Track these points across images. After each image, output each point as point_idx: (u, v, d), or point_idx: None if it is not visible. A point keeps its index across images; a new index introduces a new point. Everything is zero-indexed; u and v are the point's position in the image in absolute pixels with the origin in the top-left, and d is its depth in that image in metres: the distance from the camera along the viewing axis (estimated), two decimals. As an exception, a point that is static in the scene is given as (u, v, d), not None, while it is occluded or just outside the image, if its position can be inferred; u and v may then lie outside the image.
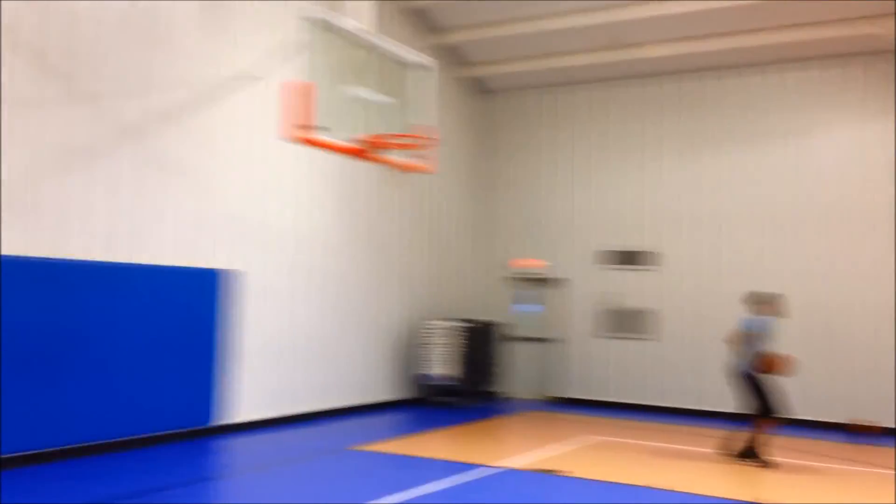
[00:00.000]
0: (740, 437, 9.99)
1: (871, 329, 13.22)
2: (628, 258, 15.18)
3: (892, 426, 12.76)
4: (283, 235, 11.73)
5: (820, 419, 13.27)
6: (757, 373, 9.84)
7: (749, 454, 9.83)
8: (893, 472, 9.66)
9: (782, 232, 13.95)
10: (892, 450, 11.29)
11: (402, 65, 9.76)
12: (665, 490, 8.43)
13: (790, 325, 13.67)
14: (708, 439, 11.86)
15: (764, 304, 10.18)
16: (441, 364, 14.08)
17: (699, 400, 14.38)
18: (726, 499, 8.14)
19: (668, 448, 11.07)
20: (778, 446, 11.15)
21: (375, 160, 9.08)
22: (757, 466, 9.66)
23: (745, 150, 14.38)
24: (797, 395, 13.26)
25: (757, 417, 9.84)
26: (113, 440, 9.22)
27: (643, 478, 8.95)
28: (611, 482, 8.71)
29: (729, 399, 14.00)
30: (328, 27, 8.70)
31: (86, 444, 8.94)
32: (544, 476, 8.90)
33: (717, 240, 14.47)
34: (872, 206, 13.34)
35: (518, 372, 16.13)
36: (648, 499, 8.15)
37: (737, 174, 14.40)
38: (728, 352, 10.37)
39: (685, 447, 11.16)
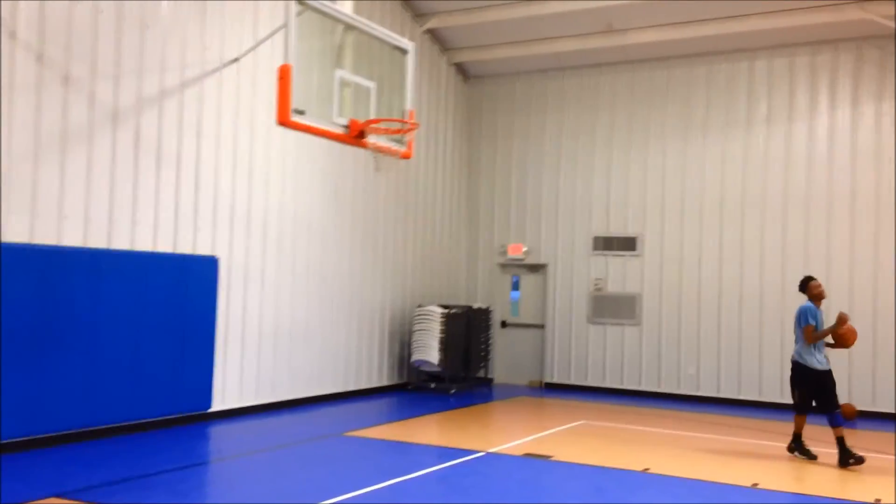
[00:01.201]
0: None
1: (866, 313, 13.28)
2: (614, 244, 15.22)
3: (892, 411, 12.86)
4: (270, 221, 11.72)
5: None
6: (805, 360, 9.35)
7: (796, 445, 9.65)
8: (894, 458, 9.73)
9: (769, 217, 14.01)
10: (892, 434, 11.34)
11: (385, 49, 9.75)
12: (645, 473, 8.51)
13: (778, 311, 13.85)
14: (688, 423, 11.96)
15: (804, 290, 9.71)
16: (429, 350, 14.10)
17: (681, 384, 14.51)
18: (707, 481, 8.22)
19: (650, 431, 11.16)
20: (771, 431, 11.28)
21: (358, 144, 9.09)
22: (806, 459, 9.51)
23: (733, 136, 14.41)
24: (788, 380, 13.48)
25: (796, 409, 9.57)
26: (109, 426, 9.28)
27: (624, 461, 9.03)
28: (593, 465, 8.80)
29: (710, 383, 14.26)
30: (313, 12, 8.68)
31: (83, 430, 9.00)
32: (530, 460, 8.98)
33: (701, 225, 14.52)
34: (862, 191, 13.39)
35: (505, 357, 16.20)
36: (629, 481, 8.21)
37: (725, 160, 14.43)
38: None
39: (666, 430, 11.24)
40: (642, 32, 14.33)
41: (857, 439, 11.14)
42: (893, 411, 12.92)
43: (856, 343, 9.57)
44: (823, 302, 9.72)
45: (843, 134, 13.61)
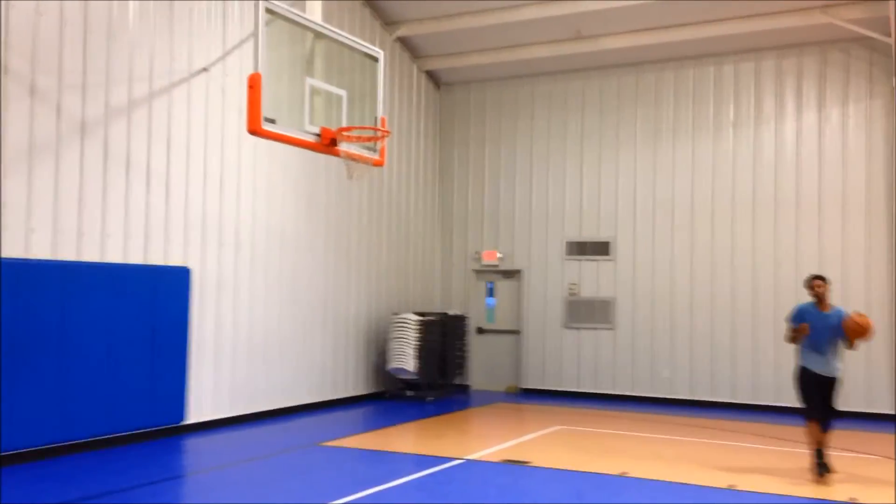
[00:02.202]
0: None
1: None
2: (587, 248, 15.29)
3: (892, 412, 12.96)
4: (242, 230, 11.63)
5: (783, 404, 13.52)
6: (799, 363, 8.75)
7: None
8: (894, 460, 9.75)
9: (739, 220, 14.15)
10: (892, 436, 11.42)
11: (356, 57, 9.73)
12: (622, 476, 8.55)
13: (750, 312, 13.99)
14: (664, 425, 12.03)
15: (807, 288, 8.96)
16: (406, 358, 14.06)
17: (655, 387, 14.59)
18: (683, 483, 8.27)
19: (626, 435, 11.20)
20: (745, 432, 11.34)
21: (330, 152, 9.05)
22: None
23: (702, 140, 14.55)
24: (774, 382, 13.64)
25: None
26: (82, 440, 9.14)
27: (602, 465, 9.06)
28: (571, 470, 8.82)
29: (684, 386, 14.36)
30: (282, 20, 8.64)
31: (55, 445, 8.85)
32: (508, 466, 8.97)
33: (673, 229, 14.63)
34: (830, 193, 13.57)
35: (482, 364, 16.19)
36: (607, 485, 8.24)
37: (694, 164, 14.57)
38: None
39: (642, 434, 11.29)
40: (611, 39, 14.44)
41: (834, 438, 11.26)
42: (863, 411, 13.08)
43: (865, 335, 8.54)
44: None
45: (809, 137, 13.80)
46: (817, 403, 8.65)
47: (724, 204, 14.27)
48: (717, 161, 14.41)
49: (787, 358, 13.49)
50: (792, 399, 13.31)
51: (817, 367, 8.66)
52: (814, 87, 13.83)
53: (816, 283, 8.87)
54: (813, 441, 8.64)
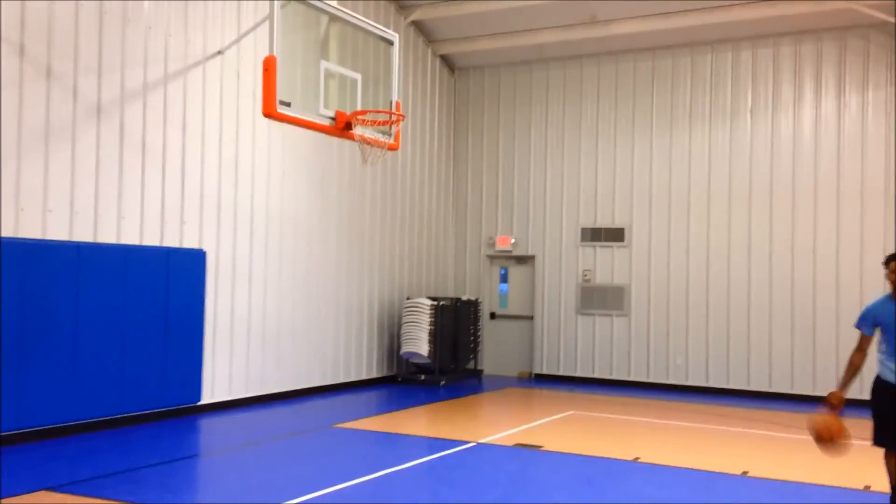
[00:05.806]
0: None
1: (852, 302, 13.34)
2: (601, 235, 15.24)
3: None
4: (257, 213, 11.66)
5: (798, 392, 13.48)
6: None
7: None
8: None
9: (754, 207, 14.04)
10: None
11: (370, 41, 9.72)
12: (635, 462, 8.55)
13: (766, 299, 13.92)
14: (677, 412, 12.01)
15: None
16: (419, 342, 14.09)
17: (669, 374, 14.55)
18: (696, 469, 8.26)
19: (639, 421, 11.20)
20: (759, 420, 11.31)
21: (344, 136, 9.06)
22: None
23: (718, 127, 14.44)
24: (789, 370, 13.58)
25: None
26: (98, 419, 9.25)
27: (614, 450, 9.07)
28: (583, 455, 8.84)
29: (698, 373, 14.31)
30: (297, 3, 8.63)
31: (72, 424, 8.96)
32: (520, 450, 9.00)
33: (689, 215, 14.54)
34: (848, 180, 13.44)
35: (495, 349, 16.21)
36: (619, 470, 8.25)
37: (710, 150, 14.45)
38: None
39: (656, 420, 11.28)
40: (626, 23, 14.33)
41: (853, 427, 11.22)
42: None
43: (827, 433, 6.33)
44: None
45: (828, 123, 13.66)
46: (890, 423, 6.35)
47: (741, 191, 14.16)
48: (733, 148, 14.30)
49: (803, 346, 13.50)
50: (807, 387, 13.40)
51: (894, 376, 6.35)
52: (833, 74, 13.68)
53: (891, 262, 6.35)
54: (891, 471, 6.36)
